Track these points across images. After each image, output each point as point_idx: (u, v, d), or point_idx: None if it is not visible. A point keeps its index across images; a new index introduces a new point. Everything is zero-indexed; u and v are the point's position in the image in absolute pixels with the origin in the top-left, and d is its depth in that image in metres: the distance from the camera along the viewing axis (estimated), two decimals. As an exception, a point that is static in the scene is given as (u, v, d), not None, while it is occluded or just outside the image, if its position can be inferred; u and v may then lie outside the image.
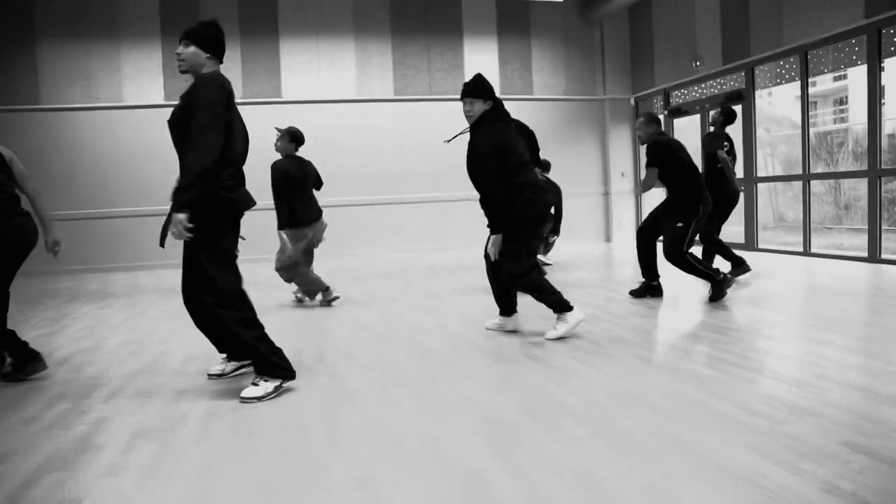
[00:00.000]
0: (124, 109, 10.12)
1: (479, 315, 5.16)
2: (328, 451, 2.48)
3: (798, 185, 8.68)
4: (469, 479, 2.18)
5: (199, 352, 4.19)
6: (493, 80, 11.17)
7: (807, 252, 8.37)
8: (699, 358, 3.69)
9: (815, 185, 10.48)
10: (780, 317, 4.77)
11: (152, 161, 10.05)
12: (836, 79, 15.38)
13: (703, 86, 10.27)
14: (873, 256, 7.51)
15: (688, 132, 10.85)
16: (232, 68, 10.34)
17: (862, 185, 8.54)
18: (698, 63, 9.91)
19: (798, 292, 5.95)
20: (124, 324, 5.57)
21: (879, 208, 7.51)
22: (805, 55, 8.21)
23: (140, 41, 10.13)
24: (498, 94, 11.06)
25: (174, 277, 10.24)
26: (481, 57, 11.12)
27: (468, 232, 10.87)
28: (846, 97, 16.56)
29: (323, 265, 8.96)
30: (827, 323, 4.38)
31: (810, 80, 8.36)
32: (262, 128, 10.47)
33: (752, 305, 5.26)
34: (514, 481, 2.14)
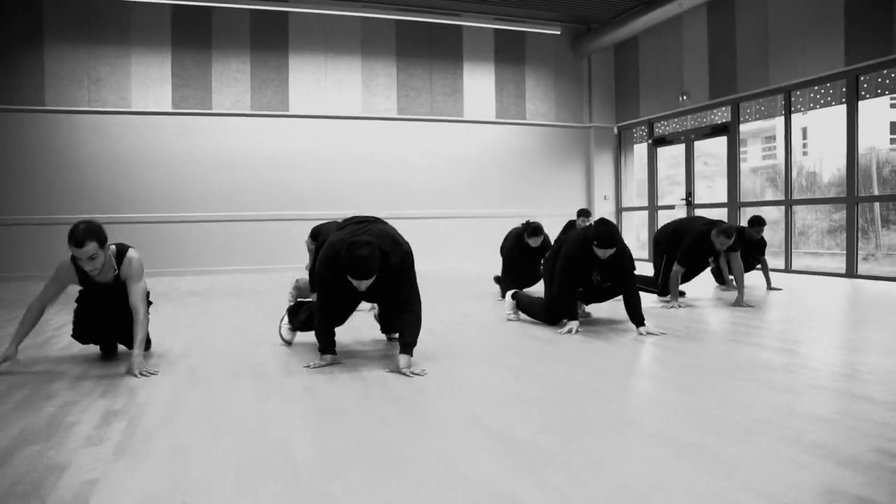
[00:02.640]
0: (131, 115, 10.18)
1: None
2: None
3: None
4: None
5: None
6: (490, 104, 11.80)
7: (788, 269, 9.25)
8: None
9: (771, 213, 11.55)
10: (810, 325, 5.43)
11: (155, 169, 10.16)
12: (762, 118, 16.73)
13: (687, 118, 11.16)
14: (851, 273, 8.43)
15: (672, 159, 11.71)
16: (241, 80, 10.58)
17: (810, 215, 9.85)
18: (685, 97, 10.79)
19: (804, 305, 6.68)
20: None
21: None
22: (789, 94, 9.16)
23: (151, 48, 10.24)
24: (493, 117, 11.83)
25: (173, 283, 10.26)
26: (479, 82, 11.73)
27: (461, 247, 11.40)
28: (774, 136, 18.00)
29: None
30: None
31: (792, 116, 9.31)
32: (269, 139, 10.77)
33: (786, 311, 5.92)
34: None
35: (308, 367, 3.64)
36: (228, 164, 10.52)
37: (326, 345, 3.72)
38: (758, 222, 7.37)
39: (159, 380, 3.43)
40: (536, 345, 4.29)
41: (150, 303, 3.97)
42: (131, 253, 3.80)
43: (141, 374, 3.51)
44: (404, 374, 3.46)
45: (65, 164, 9.89)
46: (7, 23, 9.68)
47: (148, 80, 10.27)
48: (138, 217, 10.10)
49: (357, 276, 3.36)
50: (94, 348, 4.20)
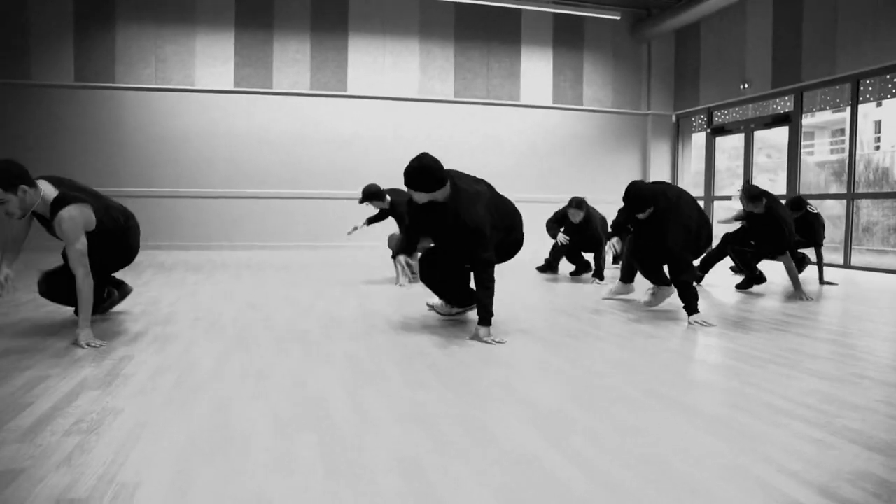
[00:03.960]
0: (195, 93, 10.48)
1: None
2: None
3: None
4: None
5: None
6: (547, 89, 11.74)
7: (847, 265, 8.99)
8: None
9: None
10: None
11: (215, 146, 10.47)
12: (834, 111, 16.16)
13: (748, 107, 10.89)
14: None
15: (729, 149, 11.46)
16: (301, 61, 10.78)
17: (877, 211, 9.55)
18: (746, 85, 10.53)
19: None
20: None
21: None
22: (857, 83, 8.86)
23: (215, 28, 10.52)
24: (550, 102, 11.77)
25: (231, 255, 10.51)
26: (537, 66, 11.68)
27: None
28: (843, 129, 17.40)
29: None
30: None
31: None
32: (328, 119, 10.97)
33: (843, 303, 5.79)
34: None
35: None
36: (286, 143, 10.76)
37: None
38: (795, 205, 7.05)
39: (209, 341, 3.60)
40: (580, 324, 4.32)
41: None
42: (63, 212, 3.40)
43: (88, 345, 3.36)
44: (486, 342, 3.66)
45: (130, 140, 10.28)
46: (81, 3, 10.08)
47: (211, 59, 10.55)
48: (199, 192, 10.43)
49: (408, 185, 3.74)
50: (154, 306, 4.42)
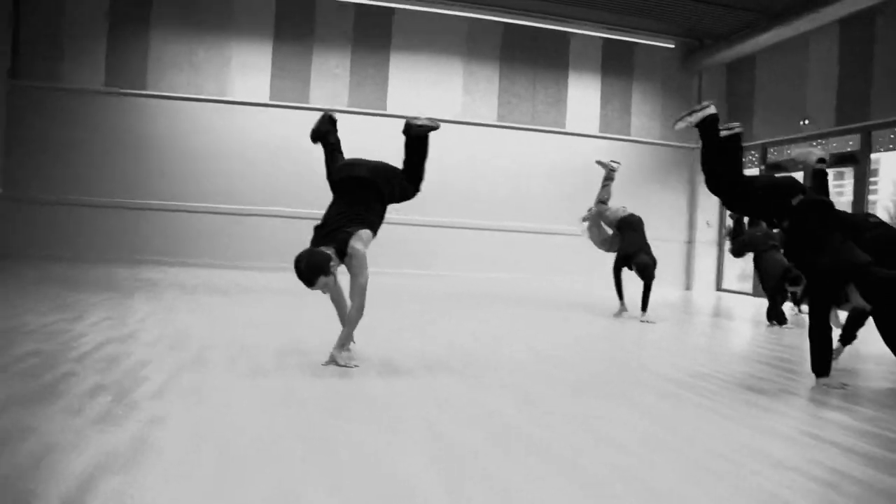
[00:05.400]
0: (229, 104, 10.07)
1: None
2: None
3: None
4: None
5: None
6: (594, 117, 11.24)
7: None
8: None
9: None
10: None
11: (251, 160, 10.03)
12: None
13: (808, 144, 10.32)
14: None
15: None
16: (341, 76, 10.35)
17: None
18: (806, 122, 9.97)
19: None
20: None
21: None
22: (936, 124, 8.28)
23: (252, 37, 10.12)
24: (596, 131, 11.25)
25: (233, 277, 10.16)
26: (584, 93, 11.19)
27: (550, 264, 10.84)
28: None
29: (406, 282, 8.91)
30: None
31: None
32: (366, 138, 10.47)
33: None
34: None
35: None
36: (317, 159, 10.29)
37: None
38: None
39: (252, 388, 3.05)
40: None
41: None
42: (357, 245, 3.69)
43: (346, 365, 3.60)
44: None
45: (157, 148, 9.85)
46: (118, 3, 9.73)
47: (246, 69, 10.14)
48: (223, 208, 9.96)
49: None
50: (183, 341, 3.89)
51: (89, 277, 7.44)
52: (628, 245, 6.80)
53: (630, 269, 6.69)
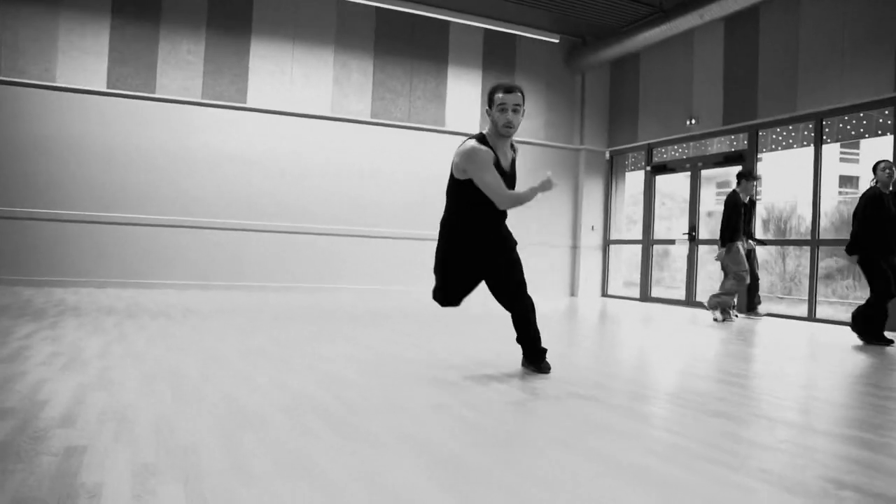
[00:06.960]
0: (55, 91, 8.50)
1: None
2: None
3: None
4: None
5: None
6: (474, 114, 10.53)
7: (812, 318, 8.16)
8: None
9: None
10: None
11: (80, 159, 8.52)
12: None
13: (693, 144, 10.08)
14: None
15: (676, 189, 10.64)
16: (194, 63, 9.05)
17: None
18: (693, 121, 9.73)
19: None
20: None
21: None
22: (821, 122, 8.14)
23: (84, 15, 8.62)
24: (477, 129, 10.49)
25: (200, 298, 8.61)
26: (464, 89, 10.46)
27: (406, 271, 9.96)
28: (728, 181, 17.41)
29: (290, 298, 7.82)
30: None
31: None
32: (222, 135, 9.17)
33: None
34: None
35: None
36: (169, 160, 8.92)
37: None
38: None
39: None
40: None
41: None
42: None
43: None
44: None
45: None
46: None
47: (78, 52, 8.62)
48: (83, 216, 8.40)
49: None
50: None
51: None
52: None
53: None
